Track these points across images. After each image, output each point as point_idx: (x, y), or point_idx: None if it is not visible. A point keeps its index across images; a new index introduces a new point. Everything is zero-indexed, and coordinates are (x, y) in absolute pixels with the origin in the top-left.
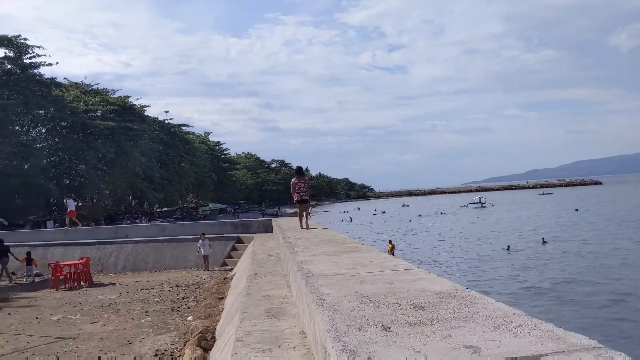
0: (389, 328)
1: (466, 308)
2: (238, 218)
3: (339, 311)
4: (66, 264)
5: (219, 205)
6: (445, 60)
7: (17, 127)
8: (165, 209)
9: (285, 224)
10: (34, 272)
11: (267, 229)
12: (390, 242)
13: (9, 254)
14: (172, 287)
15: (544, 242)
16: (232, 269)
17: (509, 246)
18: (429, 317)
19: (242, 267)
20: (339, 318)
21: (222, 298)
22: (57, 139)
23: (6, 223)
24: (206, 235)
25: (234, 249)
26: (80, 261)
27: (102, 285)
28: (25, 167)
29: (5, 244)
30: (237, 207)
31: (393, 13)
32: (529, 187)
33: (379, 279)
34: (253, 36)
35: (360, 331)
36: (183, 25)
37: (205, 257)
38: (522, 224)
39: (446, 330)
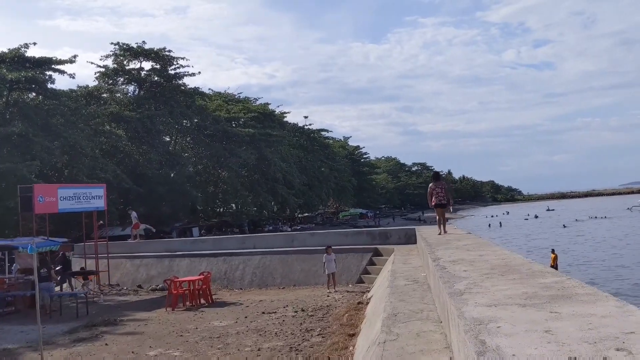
0: None
1: None
2: (379, 223)
3: None
4: (185, 280)
5: (359, 210)
6: (598, 53)
7: (166, 138)
8: (306, 214)
9: (431, 235)
10: (89, 288)
11: (410, 239)
12: (552, 251)
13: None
14: (296, 312)
15: None
16: (368, 289)
17: None
18: None
19: (380, 291)
20: None
21: (353, 335)
22: (201, 148)
23: (154, 230)
24: (336, 247)
25: (371, 262)
26: (200, 277)
27: (223, 304)
28: (172, 175)
29: (68, 257)
30: (377, 211)
31: (538, 6)
32: None
33: None
34: (392, 41)
35: None
36: (324, 35)
37: (331, 276)
38: None
39: None
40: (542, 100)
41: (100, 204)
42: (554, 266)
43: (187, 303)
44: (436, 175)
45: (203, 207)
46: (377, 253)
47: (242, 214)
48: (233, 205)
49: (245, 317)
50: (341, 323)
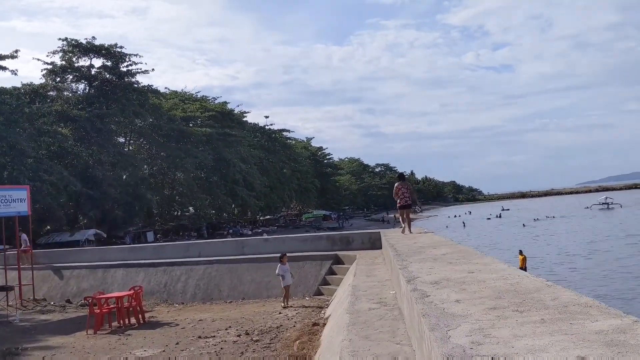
0: None
1: None
2: (342, 224)
3: None
4: (111, 296)
5: (322, 212)
6: (555, 55)
7: (120, 139)
8: (268, 217)
9: (398, 240)
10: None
11: (374, 244)
12: (520, 252)
13: None
14: (239, 336)
15: None
16: (327, 303)
17: None
18: None
19: (338, 313)
20: None
21: None
22: (155, 148)
23: (105, 235)
24: (293, 254)
25: (330, 272)
26: (129, 292)
27: (155, 325)
28: (124, 177)
29: None
30: (341, 213)
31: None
32: None
33: None
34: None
35: None
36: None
37: (286, 288)
38: None
39: None
40: (502, 102)
41: (23, 208)
42: (523, 268)
43: (114, 324)
44: (401, 176)
45: (159, 211)
46: (338, 261)
47: (200, 217)
48: (191, 208)
49: (177, 344)
50: (290, 354)
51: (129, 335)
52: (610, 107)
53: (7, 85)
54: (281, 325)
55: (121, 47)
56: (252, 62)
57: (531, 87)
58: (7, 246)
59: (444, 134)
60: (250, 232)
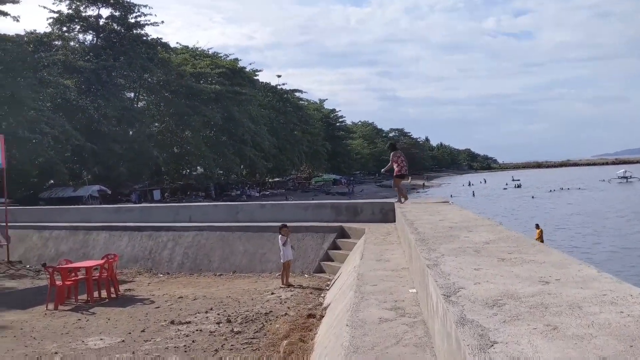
0: None
1: None
2: (352, 190)
3: None
4: (78, 266)
5: (333, 176)
6: (576, 24)
7: (129, 94)
8: (277, 179)
9: (418, 215)
10: None
11: (386, 216)
12: (537, 226)
13: None
14: (219, 323)
15: None
16: (327, 284)
17: None
18: None
19: (337, 313)
20: None
21: None
22: (162, 104)
23: (109, 192)
24: (292, 224)
25: (334, 246)
26: (99, 262)
27: (129, 301)
28: (131, 133)
29: None
30: (351, 178)
31: None
32: None
33: None
34: (373, 4)
35: None
36: None
37: (287, 265)
38: None
39: None
40: (520, 69)
41: None
42: (540, 240)
43: (82, 297)
44: (394, 146)
45: (167, 169)
46: (344, 234)
47: (208, 177)
48: (200, 168)
49: (143, 332)
50: (278, 350)
51: (93, 314)
52: (629, 79)
53: (10, 33)
54: (271, 312)
55: None
56: (269, 21)
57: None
58: None
59: (460, 100)
60: (257, 194)
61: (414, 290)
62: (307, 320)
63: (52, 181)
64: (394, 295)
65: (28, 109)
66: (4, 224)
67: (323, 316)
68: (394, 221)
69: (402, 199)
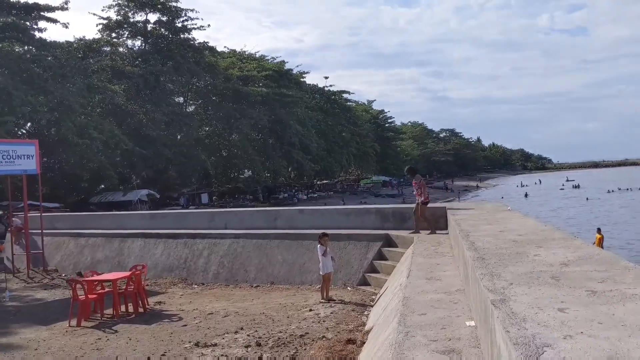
0: None
1: None
2: (402, 192)
3: None
4: (104, 279)
5: (382, 178)
6: (633, 18)
7: (178, 99)
8: (326, 181)
9: (475, 224)
10: None
11: (436, 223)
12: (598, 231)
13: None
14: (248, 347)
15: None
16: (372, 299)
17: None
18: None
19: (382, 337)
20: None
21: None
22: (210, 108)
23: (158, 196)
24: (333, 232)
25: (379, 256)
26: (126, 274)
27: (155, 317)
28: (179, 137)
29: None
30: (401, 179)
31: None
32: None
33: None
34: (422, 4)
35: None
36: None
37: (327, 277)
38: None
39: None
40: (576, 66)
41: (31, 165)
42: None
43: (106, 313)
44: (414, 170)
45: (215, 173)
46: (390, 243)
47: (256, 180)
48: (248, 171)
49: (163, 355)
50: None
51: (115, 332)
52: None
53: (60, 39)
54: (307, 334)
55: (176, 1)
56: (318, 23)
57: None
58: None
59: (513, 99)
60: (305, 197)
61: (472, 324)
62: (345, 346)
63: (102, 186)
64: (447, 331)
65: (77, 114)
66: (40, 230)
67: (364, 342)
68: (446, 228)
69: (420, 230)
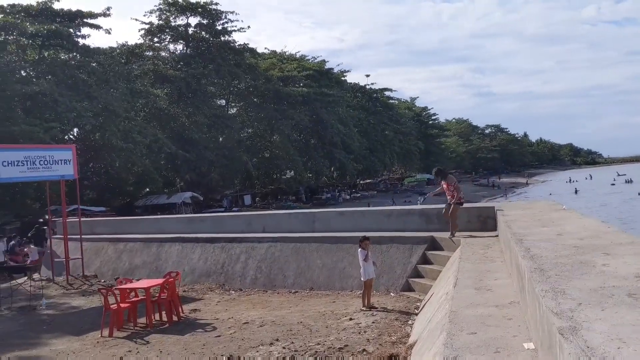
0: None
1: None
2: None
3: None
4: (137, 287)
5: (426, 176)
6: None
7: (220, 101)
8: (369, 181)
9: (528, 227)
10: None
11: (485, 224)
12: None
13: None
14: (283, 359)
15: None
16: (416, 307)
17: None
18: None
19: (425, 357)
20: None
21: None
22: (251, 109)
23: (201, 198)
24: (374, 235)
25: (424, 259)
26: (159, 281)
27: (189, 326)
28: (220, 139)
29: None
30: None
31: None
32: None
33: None
34: None
35: None
36: None
37: (368, 283)
38: None
39: None
40: (623, 58)
41: (68, 170)
42: None
43: (140, 322)
44: (443, 171)
45: (257, 174)
46: (435, 245)
47: (298, 181)
48: (291, 171)
49: None
50: None
51: (146, 343)
52: None
53: (103, 45)
54: (346, 346)
55: (216, 4)
56: (358, 22)
57: None
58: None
59: (559, 93)
60: (348, 197)
61: (532, 346)
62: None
63: (147, 189)
64: (502, 356)
65: (121, 119)
66: (78, 236)
67: (406, 358)
68: (495, 229)
69: (454, 232)
